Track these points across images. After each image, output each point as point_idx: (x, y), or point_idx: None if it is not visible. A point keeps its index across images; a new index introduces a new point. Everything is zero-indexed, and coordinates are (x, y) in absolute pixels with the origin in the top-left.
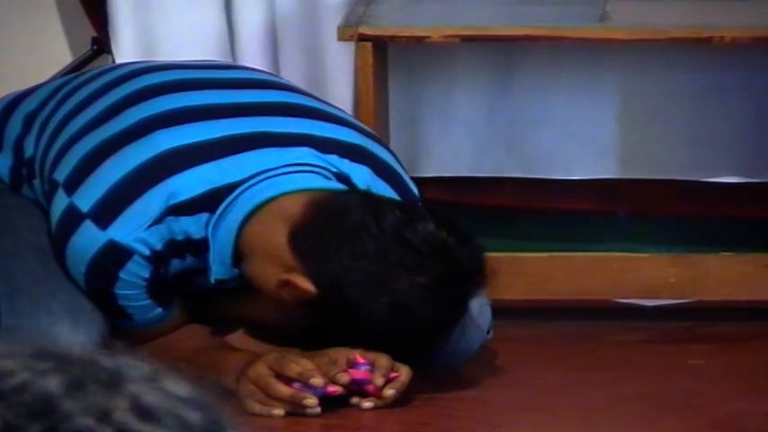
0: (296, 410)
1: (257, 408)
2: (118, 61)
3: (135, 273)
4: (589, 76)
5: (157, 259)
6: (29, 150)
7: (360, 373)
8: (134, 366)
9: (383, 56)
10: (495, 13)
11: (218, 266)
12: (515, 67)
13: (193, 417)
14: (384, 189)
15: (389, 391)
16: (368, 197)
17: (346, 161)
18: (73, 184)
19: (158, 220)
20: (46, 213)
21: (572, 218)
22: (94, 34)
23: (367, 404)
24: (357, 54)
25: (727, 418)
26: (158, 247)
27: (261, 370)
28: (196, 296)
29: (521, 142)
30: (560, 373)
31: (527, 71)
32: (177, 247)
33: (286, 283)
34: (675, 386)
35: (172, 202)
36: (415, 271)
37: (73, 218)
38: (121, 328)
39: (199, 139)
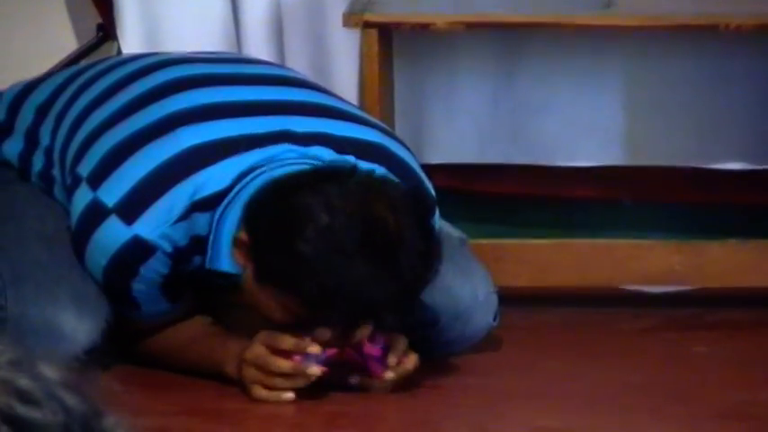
0: (299, 384)
1: (263, 394)
2: (123, 48)
3: (155, 269)
4: (594, 63)
5: (179, 256)
6: (45, 140)
7: (374, 349)
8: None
9: (388, 43)
10: (499, 0)
11: (224, 259)
12: (520, 54)
13: (73, 401)
14: None
15: (390, 374)
16: (324, 173)
17: (363, 162)
18: (97, 178)
19: (184, 216)
20: (54, 202)
21: (577, 205)
22: (100, 21)
23: (353, 380)
24: (362, 41)
25: (732, 406)
26: (183, 243)
27: (257, 350)
28: (204, 288)
29: (525, 129)
30: (565, 361)
31: (532, 58)
32: (202, 242)
33: (235, 242)
34: (680, 373)
35: (197, 197)
36: (335, 212)
37: (98, 212)
38: (126, 317)
39: (222, 136)
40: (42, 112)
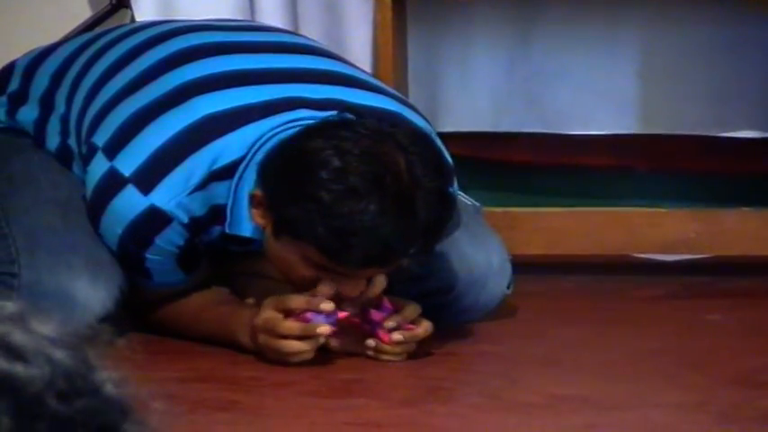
0: (310, 348)
1: (276, 358)
2: (137, 16)
3: (170, 240)
4: (609, 30)
5: (195, 227)
6: (60, 107)
7: (379, 315)
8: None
9: (402, 11)
10: None
11: (244, 223)
12: (534, 21)
13: (61, 355)
14: None
15: (397, 336)
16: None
17: None
18: (114, 148)
19: (201, 186)
20: (70, 169)
21: (591, 173)
22: None
23: (371, 342)
24: (376, 9)
25: (746, 373)
26: (200, 213)
27: (267, 314)
28: (221, 258)
29: (540, 97)
30: (579, 328)
31: (546, 25)
32: (221, 212)
33: (251, 200)
34: (694, 341)
35: (215, 167)
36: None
37: (114, 181)
38: (139, 286)
39: (238, 104)
40: (57, 78)
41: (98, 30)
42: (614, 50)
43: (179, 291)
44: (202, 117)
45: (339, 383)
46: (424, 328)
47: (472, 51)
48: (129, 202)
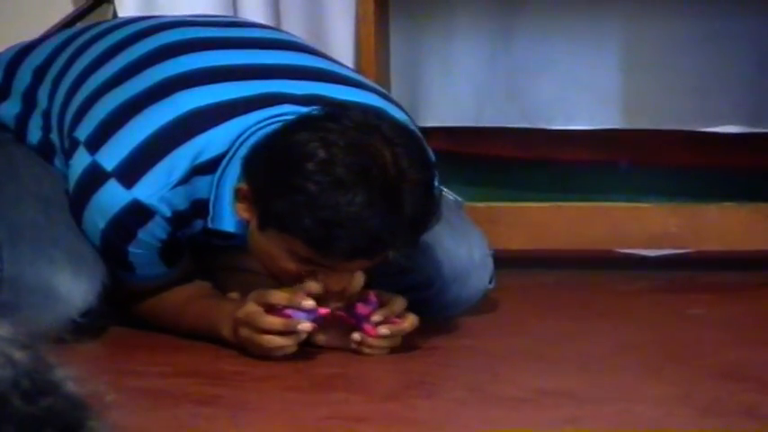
0: (291, 342)
1: (257, 352)
2: (119, 11)
3: (154, 233)
4: (592, 24)
5: (178, 221)
6: (43, 103)
7: (365, 308)
8: None
9: (384, 4)
10: None
11: (226, 218)
12: (517, 14)
13: (20, 355)
14: None
15: (383, 329)
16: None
17: None
18: (95, 142)
19: (184, 180)
20: (52, 164)
21: (574, 168)
22: None
23: (356, 336)
24: (358, 3)
25: (728, 367)
26: (182, 207)
27: (249, 308)
28: (203, 252)
29: (522, 91)
30: (562, 322)
31: (528, 19)
32: (203, 206)
33: (236, 194)
34: (676, 335)
35: (198, 161)
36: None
37: (96, 176)
38: (122, 280)
39: (221, 99)
40: (39, 74)
41: (80, 25)
42: (597, 44)
43: (161, 284)
44: (186, 112)
45: (321, 378)
46: (410, 321)
47: (454, 45)
48: (112, 197)
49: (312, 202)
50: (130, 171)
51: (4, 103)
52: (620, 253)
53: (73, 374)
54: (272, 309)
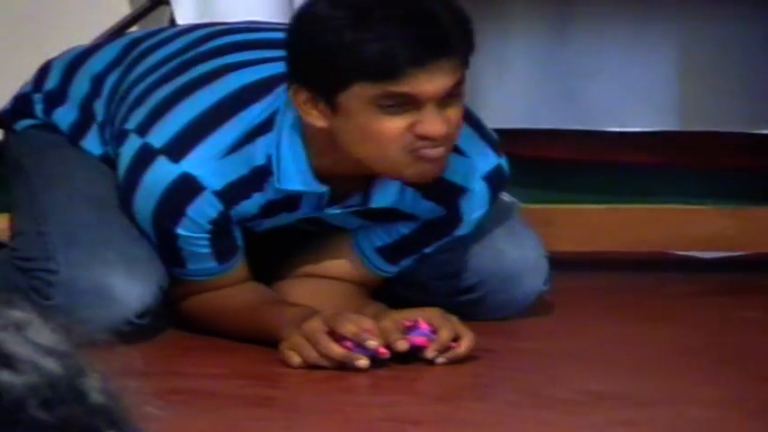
0: (336, 366)
1: (295, 360)
2: (176, 13)
3: (203, 211)
4: (647, 26)
5: (230, 194)
6: (100, 115)
7: (419, 339)
8: (2, 315)
9: None
10: None
11: (292, 176)
12: (572, 16)
13: (52, 365)
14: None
15: (440, 360)
16: None
17: None
18: (146, 126)
19: (238, 146)
20: (104, 165)
21: (628, 171)
22: None
23: (431, 354)
24: None
25: None
26: (236, 176)
27: (315, 325)
28: (264, 254)
29: (577, 94)
30: (616, 325)
31: (584, 21)
32: (263, 172)
33: (295, 98)
34: (731, 338)
35: (249, 127)
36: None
37: (146, 155)
38: (176, 278)
39: (268, 74)
40: (98, 82)
41: (137, 28)
42: (653, 46)
43: (215, 283)
44: (236, 89)
45: (375, 379)
46: (466, 345)
47: (509, 47)
48: (161, 173)
49: (354, 37)
50: (179, 146)
51: (61, 108)
52: (675, 255)
53: (106, 384)
54: (334, 333)
